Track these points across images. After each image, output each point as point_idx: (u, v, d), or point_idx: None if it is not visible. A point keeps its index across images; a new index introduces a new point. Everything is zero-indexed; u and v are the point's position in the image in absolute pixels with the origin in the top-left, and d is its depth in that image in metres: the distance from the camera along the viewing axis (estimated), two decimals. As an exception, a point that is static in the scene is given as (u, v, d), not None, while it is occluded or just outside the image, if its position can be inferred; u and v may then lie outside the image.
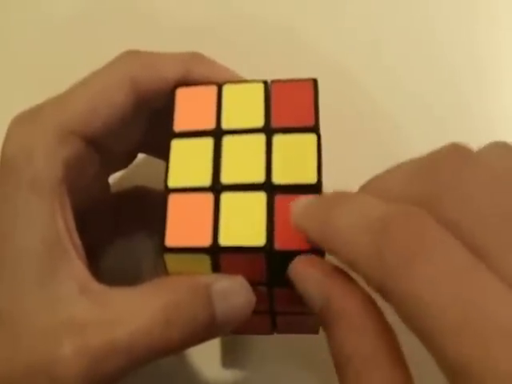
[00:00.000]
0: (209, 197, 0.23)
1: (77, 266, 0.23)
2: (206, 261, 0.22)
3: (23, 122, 0.24)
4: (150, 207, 0.31)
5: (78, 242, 0.24)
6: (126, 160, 0.30)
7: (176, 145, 0.24)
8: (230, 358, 0.31)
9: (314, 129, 0.24)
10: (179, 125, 0.25)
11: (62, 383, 0.21)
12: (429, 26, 0.37)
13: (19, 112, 0.25)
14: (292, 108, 0.24)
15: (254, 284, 0.23)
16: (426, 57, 0.36)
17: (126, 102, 0.25)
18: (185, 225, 0.22)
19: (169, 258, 0.22)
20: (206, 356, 0.30)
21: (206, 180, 0.23)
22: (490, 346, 0.15)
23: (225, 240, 0.22)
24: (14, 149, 0.23)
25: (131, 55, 0.26)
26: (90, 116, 0.24)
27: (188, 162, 0.24)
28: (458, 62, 0.36)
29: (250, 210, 0.22)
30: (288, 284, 0.23)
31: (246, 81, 0.26)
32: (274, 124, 0.24)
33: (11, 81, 0.37)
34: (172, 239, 0.22)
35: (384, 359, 0.18)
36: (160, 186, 0.30)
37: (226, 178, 0.23)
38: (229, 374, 0.31)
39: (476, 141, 0.33)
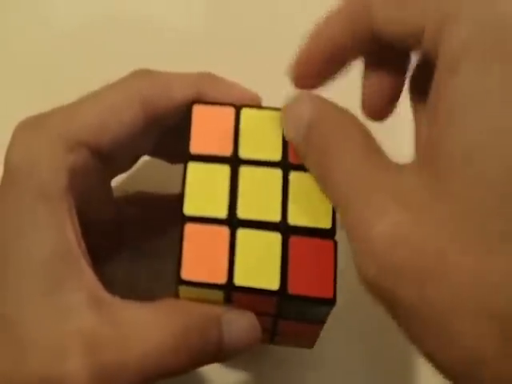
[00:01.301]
0: (225, 231, 0.23)
1: (87, 276, 0.23)
2: (219, 294, 0.23)
3: (28, 128, 0.24)
4: (153, 211, 0.32)
5: (85, 251, 0.24)
6: (130, 166, 0.30)
7: (192, 169, 0.24)
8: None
9: None
10: (196, 146, 0.25)
11: None
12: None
13: (23, 118, 0.24)
14: None
15: (260, 315, 0.24)
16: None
17: (136, 120, 0.25)
18: (201, 258, 0.23)
19: (183, 289, 0.23)
20: None
21: (223, 211, 0.23)
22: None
23: (239, 280, 0.23)
24: (19, 156, 0.23)
25: (142, 74, 0.25)
26: (99, 130, 0.24)
27: (204, 189, 0.24)
28: None
29: (266, 249, 0.23)
30: (295, 318, 0.24)
31: (264, 107, 0.26)
32: (292, 159, 0.24)
33: (14, 87, 0.36)
34: (188, 272, 0.23)
35: None
36: (162, 189, 0.31)
37: (242, 212, 0.23)
38: (229, 374, 0.32)
39: None
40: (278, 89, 0.24)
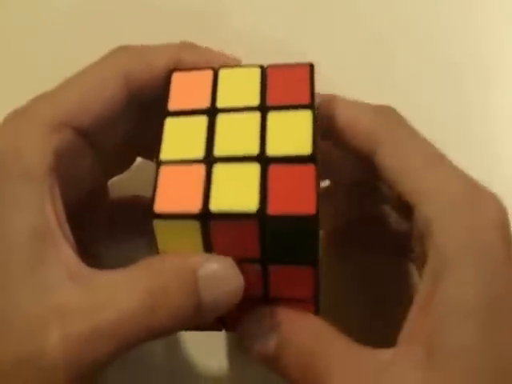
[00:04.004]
0: (201, 168, 0.22)
1: (65, 252, 0.22)
2: (196, 233, 0.22)
3: (14, 117, 0.24)
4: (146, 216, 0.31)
5: (67, 231, 0.24)
6: (123, 162, 0.30)
7: (169, 122, 0.24)
8: (229, 357, 0.30)
9: (310, 106, 0.23)
10: (174, 104, 0.24)
11: (50, 373, 0.20)
12: (429, 25, 0.38)
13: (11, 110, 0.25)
14: (288, 89, 0.24)
15: (247, 261, 0.22)
16: (426, 56, 0.36)
17: (118, 96, 0.25)
18: (175, 193, 0.22)
19: (158, 227, 0.22)
20: (206, 355, 0.30)
21: (199, 153, 0.23)
22: None
23: (216, 206, 0.21)
24: (5, 142, 0.23)
25: (121, 50, 0.26)
26: (82, 109, 0.24)
27: (181, 138, 0.23)
28: (459, 62, 0.36)
29: (243, 179, 0.22)
30: (282, 260, 0.22)
31: (242, 66, 0.26)
32: (270, 103, 0.24)
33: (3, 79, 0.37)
34: (161, 206, 0.21)
35: None
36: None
37: (219, 151, 0.23)
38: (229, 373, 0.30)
39: (476, 140, 0.33)
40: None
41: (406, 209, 0.25)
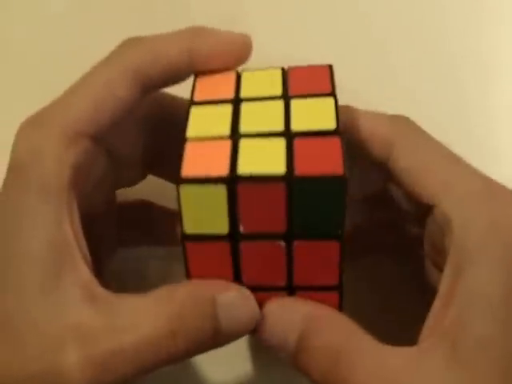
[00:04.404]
0: (227, 142, 0.23)
1: (82, 272, 0.22)
2: (222, 202, 0.21)
3: (31, 126, 0.24)
4: (154, 222, 0.31)
5: (84, 247, 0.24)
6: (135, 175, 0.30)
7: (195, 110, 0.24)
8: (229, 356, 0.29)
9: (332, 94, 0.24)
10: (198, 97, 0.25)
11: None
12: (430, 25, 0.38)
13: (23, 114, 0.25)
14: (309, 83, 0.25)
15: (272, 238, 0.22)
16: (427, 56, 0.37)
17: (131, 94, 0.25)
18: (202, 162, 0.22)
19: (184, 195, 0.21)
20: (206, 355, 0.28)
21: (225, 131, 0.23)
22: None
23: (243, 170, 0.21)
24: (22, 153, 0.23)
25: (131, 43, 0.25)
26: (96, 114, 0.24)
27: (207, 121, 0.24)
28: (459, 62, 0.37)
29: (269, 151, 0.22)
30: (308, 232, 0.22)
31: (264, 68, 0.27)
32: (292, 93, 0.25)
33: (11, 82, 0.37)
34: (188, 170, 0.21)
35: None
36: (166, 204, 0.30)
37: (244, 129, 0.23)
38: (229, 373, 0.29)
39: (476, 140, 0.34)
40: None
41: (418, 211, 0.25)
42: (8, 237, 0.22)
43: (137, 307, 0.22)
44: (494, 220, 0.22)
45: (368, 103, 0.27)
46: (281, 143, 0.22)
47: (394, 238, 0.29)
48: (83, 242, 0.23)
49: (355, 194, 0.29)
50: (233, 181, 0.21)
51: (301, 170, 0.21)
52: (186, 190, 0.21)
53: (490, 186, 0.24)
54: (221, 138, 0.23)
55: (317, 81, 0.25)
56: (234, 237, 0.22)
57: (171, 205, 0.27)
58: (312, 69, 0.26)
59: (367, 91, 0.28)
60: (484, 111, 0.35)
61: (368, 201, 0.30)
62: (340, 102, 0.24)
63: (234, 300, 0.22)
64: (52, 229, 0.22)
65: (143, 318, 0.22)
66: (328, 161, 0.21)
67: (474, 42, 0.37)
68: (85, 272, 0.22)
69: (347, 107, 0.27)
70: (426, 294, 0.24)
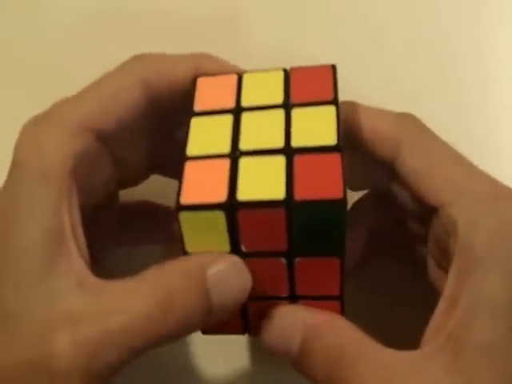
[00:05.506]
0: (226, 162, 0.22)
1: (76, 261, 0.23)
2: (222, 226, 0.21)
3: (35, 123, 0.24)
4: (156, 221, 0.31)
5: (81, 237, 0.24)
6: (138, 175, 0.30)
7: (195, 121, 0.24)
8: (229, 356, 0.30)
9: (333, 102, 0.23)
10: (199, 106, 0.25)
11: (61, 378, 0.20)
12: (430, 24, 0.37)
13: (24, 112, 0.25)
14: (311, 87, 0.24)
15: (273, 255, 0.22)
16: (427, 56, 0.36)
17: (138, 104, 0.25)
18: (201, 186, 0.22)
19: (184, 220, 0.21)
20: (206, 355, 0.30)
21: (225, 148, 0.23)
22: None
23: (242, 195, 0.21)
24: (26, 147, 0.24)
25: (142, 57, 0.26)
26: (103, 115, 0.25)
27: (207, 135, 0.23)
28: (460, 61, 0.36)
29: (269, 171, 0.22)
30: (309, 251, 0.22)
31: (265, 69, 0.26)
32: (293, 101, 0.24)
33: (18, 86, 0.37)
34: (187, 197, 0.21)
35: None
36: (169, 203, 0.30)
37: (244, 145, 0.23)
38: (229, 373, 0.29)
39: (476, 139, 0.33)
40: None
41: (423, 211, 0.25)
42: (8, 224, 0.23)
43: (126, 289, 0.22)
44: (500, 222, 0.22)
45: (368, 103, 0.26)
46: (281, 161, 0.22)
47: (398, 238, 0.29)
48: (80, 231, 0.24)
49: (359, 186, 0.29)
50: (232, 207, 0.21)
51: (300, 194, 0.21)
52: (185, 217, 0.21)
53: (496, 188, 0.23)
54: (220, 156, 0.22)
55: (319, 84, 0.24)
56: (235, 254, 0.22)
57: (173, 204, 0.28)
58: (315, 70, 0.25)
59: (367, 91, 0.28)
60: (484, 111, 0.34)
61: (372, 201, 0.29)
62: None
63: (225, 272, 0.22)
64: (49, 214, 0.22)
65: (132, 298, 0.21)
66: (328, 182, 0.21)
67: (474, 41, 0.36)
68: (78, 260, 0.22)
69: (352, 103, 0.26)
70: (429, 295, 0.24)
